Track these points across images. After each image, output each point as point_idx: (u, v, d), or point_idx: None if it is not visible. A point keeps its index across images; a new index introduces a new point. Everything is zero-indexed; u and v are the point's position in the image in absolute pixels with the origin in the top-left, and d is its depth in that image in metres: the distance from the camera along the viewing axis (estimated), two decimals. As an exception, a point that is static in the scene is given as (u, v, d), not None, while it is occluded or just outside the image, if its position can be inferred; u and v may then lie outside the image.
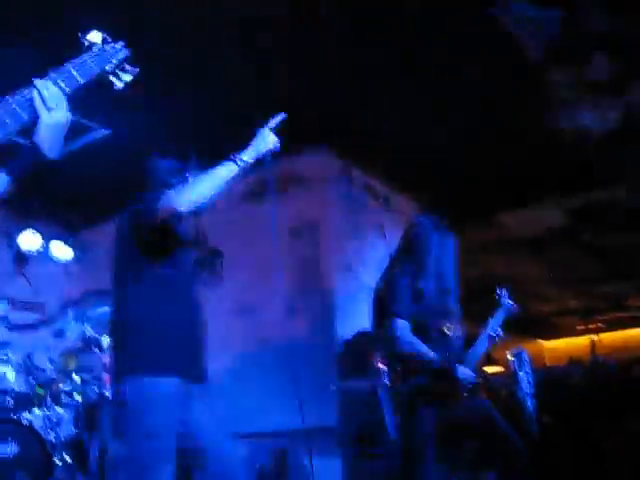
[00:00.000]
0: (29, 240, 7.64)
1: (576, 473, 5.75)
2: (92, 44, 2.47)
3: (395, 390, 3.89)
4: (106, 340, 5.60)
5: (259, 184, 7.09)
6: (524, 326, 4.60)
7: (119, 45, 2.50)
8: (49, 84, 2.24)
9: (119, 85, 2.55)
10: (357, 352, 5.81)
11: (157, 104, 5.91)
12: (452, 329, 3.99)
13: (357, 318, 6.33)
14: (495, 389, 6.16)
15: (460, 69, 5.60)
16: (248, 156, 3.12)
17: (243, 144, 6.11)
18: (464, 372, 3.88)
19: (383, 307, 3.94)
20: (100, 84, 2.47)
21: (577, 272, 11.11)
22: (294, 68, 5.53)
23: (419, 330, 3.84)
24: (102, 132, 6.32)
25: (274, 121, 3.18)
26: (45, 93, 2.21)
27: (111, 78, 2.53)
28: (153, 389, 2.96)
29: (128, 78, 2.55)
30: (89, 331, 4.33)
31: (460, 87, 5.84)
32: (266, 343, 6.63)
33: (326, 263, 6.56)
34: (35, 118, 2.21)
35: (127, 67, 2.54)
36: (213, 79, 5.65)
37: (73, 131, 6.10)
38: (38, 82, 2.23)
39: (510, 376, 6.10)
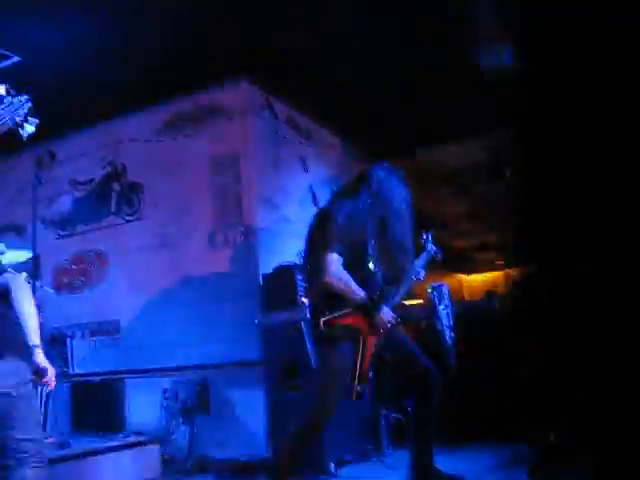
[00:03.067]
0: None
1: (493, 401, 5.96)
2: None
3: (316, 323, 3.89)
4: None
5: (180, 115, 6.96)
6: (443, 260, 4.70)
7: (23, 98, 2.65)
8: None
9: (25, 135, 2.70)
10: (279, 286, 5.81)
11: (73, 30, 5.68)
12: (379, 269, 4.01)
13: (278, 251, 6.33)
14: (415, 322, 6.29)
15: (379, 3, 5.52)
16: None
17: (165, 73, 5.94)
18: (387, 312, 3.93)
19: (318, 240, 3.92)
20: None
21: (495, 207, 11.31)
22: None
23: (348, 267, 3.84)
24: (12, 59, 6.03)
25: None
26: None
27: (17, 128, 2.68)
28: None
29: (31, 129, 2.70)
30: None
31: (380, 21, 5.77)
32: (188, 277, 6.59)
33: (247, 196, 6.50)
34: None
35: (30, 119, 2.69)
36: (129, 9, 5.43)
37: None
38: None
39: (429, 309, 6.22)
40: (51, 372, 3.36)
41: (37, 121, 2.73)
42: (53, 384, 3.44)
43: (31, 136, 2.75)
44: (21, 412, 3.01)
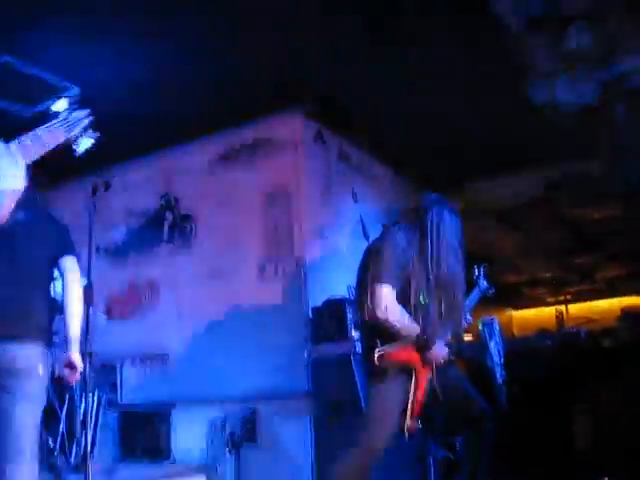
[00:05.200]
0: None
1: (544, 440, 5.84)
2: (58, 112, 2.62)
3: (368, 357, 3.86)
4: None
5: (231, 148, 7.04)
6: (494, 295, 4.64)
7: (83, 113, 2.65)
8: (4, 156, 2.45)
9: (80, 150, 2.70)
10: (328, 319, 5.80)
11: (128, 63, 5.82)
12: (432, 303, 3.95)
13: (328, 283, 6.32)
14: (465, 358, 6.20)
15: (432, 35, 5.52)
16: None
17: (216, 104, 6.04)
18: (440, 348, 3.88)
19: (370, 273, 3.88)
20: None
21: (547, 243, 11.19)
22: (267, 31, 5.43)
23: (400, 300, 3.80)
24: (72, 91, 6.17)
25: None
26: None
27: (73, 144, 2.67)
28: None
29: (89, 143, 2.69)
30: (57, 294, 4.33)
31: (433, 54, 5.77)
32: (238, 308, 6.61)
33: (298, 228, 6.51)
34: None
35: (89, 132, 2.68)
36: (183, 43, 5.54)
37: (42, 91, 6.01)
38: None
39: (480, 345, 6.14)
40: (80, 370, 3.50)
41: (96, 135, 2.74)
42: (75, 381, 3.61)
43: (86, 151, 2.76)
44: (29, 389, 3.10)
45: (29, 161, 2.54)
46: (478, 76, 6.11)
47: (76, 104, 2.72)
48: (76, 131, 2.68)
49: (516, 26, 5.32)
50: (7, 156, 2.50)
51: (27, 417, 3.09)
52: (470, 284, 4.35)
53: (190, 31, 5.38)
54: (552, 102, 6.11)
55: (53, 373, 3.93)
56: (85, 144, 2.74)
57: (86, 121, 2.72)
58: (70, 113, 2.68)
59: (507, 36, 5.38)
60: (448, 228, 4.01)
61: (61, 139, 2.63)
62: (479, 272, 4.48)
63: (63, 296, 3.41)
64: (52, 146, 2.59)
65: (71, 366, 3.46)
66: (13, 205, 2.67)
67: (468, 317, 4.25)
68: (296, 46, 5.62)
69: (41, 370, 3.16)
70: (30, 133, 2.56)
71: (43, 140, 2.57)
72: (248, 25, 5.33)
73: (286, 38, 5.52)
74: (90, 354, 5.20)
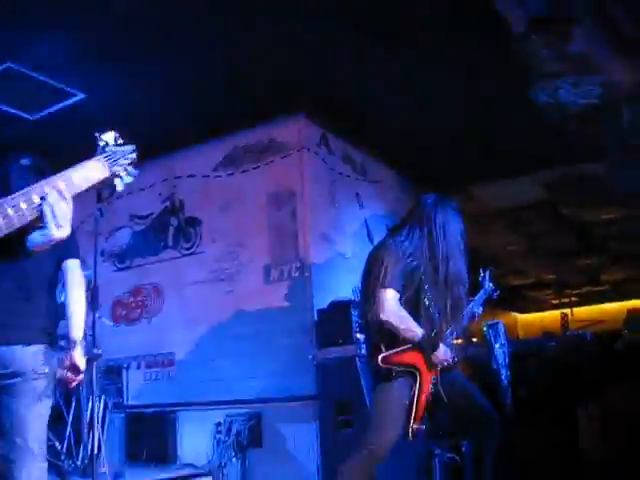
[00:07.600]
0: None
1: (549, 443, 5.83)
2: (106, 144, 2.54)
3: (373, 360, 3.86)
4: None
5: (237, 151, 7.05)
6: (499, 299, 4.62)
7: (129, 148, 2.57)
8: (61, 203, 2.34)
9: (119, 188, 2.61)
10: (333, 321, 5.80)
11: (133, 68, 5.83)
12: (437, 304, 3.94)
13: (333, 287, 6.34)
14: (470, 360, 6.21)
15: (433, 36, 5.52)
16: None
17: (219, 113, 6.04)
18: (444, 351, 3.88)
19: (374, 276, 3.88)
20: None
21: (551, 245, 11.19)
22: (271, 35, 5.44)
23: (405, 303, 3.81)
24: (77, 97, 6.19)
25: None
26: (57, 211, 2.32)
27: (114, 179, 2.59)
28: None
29: (129, 180, 2.60)
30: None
31: (434, 55, 5.77)
32: (243, 311, 6.63)
33: (303, 232, 6.52)
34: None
35: (130, 170, 2.60)
36: (187, 47, 5.55)
37: (47, 95, 6.02)
38: (51, 197, 2.30)
39: (485, 348, 6.14)
40: (82, 372, 3.39)
41: (137, 172, 2.64)
42: (76, 384, 3.46)
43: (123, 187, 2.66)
44: (35, 388, 3.04)
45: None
46: (480, 77, 6.12)
47: (123, 138, 2.63)
48: (120, 167, 2.59)
49: (519, 26, 5.33)
50: (62, 200, 2.38)
51: (35, 416, 3.08)
52: (475, 286, 4.34)
53: (192, 37, 5.40)
54: (555, 103, 6.12)
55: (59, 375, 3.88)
56: (127, 180, 2.65)
57: (130, 157, 2.64)
58: (115, 148, 2.59)
59: (509, 36, 5.38)
60: (452, 227, 4.01)
61: (106, 174, 2.55)
62: (484, 274, 4.47)
63: (65, 299, 3.37)
64: (95, 181, 2.52)
65: (73, 368, 3.37)
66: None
67: (479, 310, 4.25)
68: (299, 49, 5.64)
69: (46, 369, 3.11)
70: (76, 166, 2.48)
71: (88, 174, 2.50)
72: (252, 28, 5.34)
73: (290, 42, 5.53)
74: (96, 357, 5.22)
